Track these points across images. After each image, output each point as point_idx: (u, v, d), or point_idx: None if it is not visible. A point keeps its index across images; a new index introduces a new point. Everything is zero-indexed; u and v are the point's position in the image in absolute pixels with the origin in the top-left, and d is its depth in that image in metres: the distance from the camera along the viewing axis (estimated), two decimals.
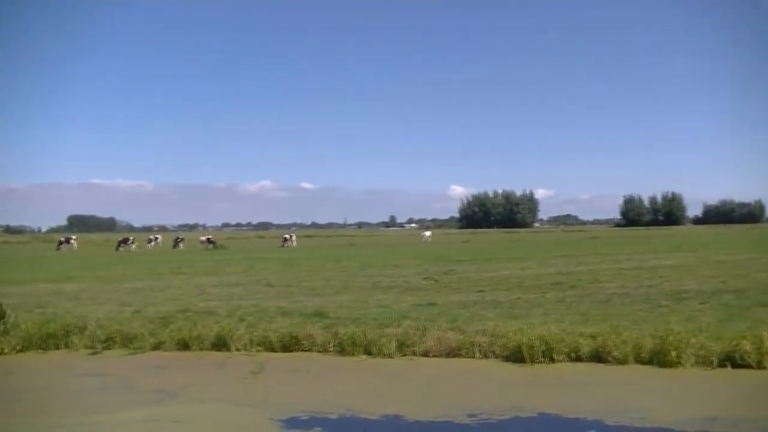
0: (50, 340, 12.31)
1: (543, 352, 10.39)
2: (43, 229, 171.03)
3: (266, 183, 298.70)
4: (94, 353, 12.09)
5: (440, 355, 10.97)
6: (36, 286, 20.63)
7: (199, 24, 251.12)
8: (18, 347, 11.98)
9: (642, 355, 10.16)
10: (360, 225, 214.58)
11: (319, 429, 7.80)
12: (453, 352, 10.97)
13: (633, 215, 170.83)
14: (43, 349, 12.16)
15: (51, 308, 15.40)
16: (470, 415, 8.08)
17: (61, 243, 60.71)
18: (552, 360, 10.35)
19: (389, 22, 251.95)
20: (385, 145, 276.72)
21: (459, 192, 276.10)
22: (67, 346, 12.33)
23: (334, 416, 8.22)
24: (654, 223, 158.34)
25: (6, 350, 11.81)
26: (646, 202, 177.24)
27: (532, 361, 10.31)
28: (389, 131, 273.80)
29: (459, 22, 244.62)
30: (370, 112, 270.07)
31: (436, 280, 20.81)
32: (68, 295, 18.48)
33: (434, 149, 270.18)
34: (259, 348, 11.78)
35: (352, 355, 11.20)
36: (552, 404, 8.42)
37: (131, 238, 62.61)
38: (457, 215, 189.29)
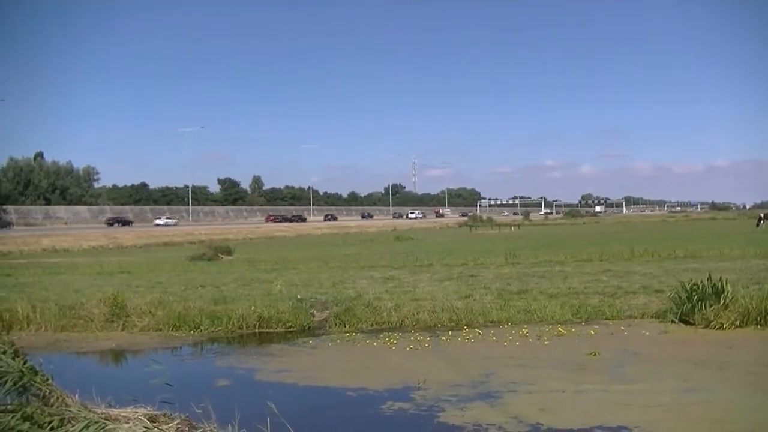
0: None
1: None
2: (748, 206, 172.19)
3: None
4: None
5: None
6: (748, 262, 20.69)
7: None
8: (737, 322, 12.10)
9: None
10: None
11: None
12: None
13: None
14: (761, 325, 11.99)
15: (766, 284, 15.16)
16: None
17: (761, 219, 59.55)
18: None
19: None
20: None
21: None
22: None
23: None
24: None
25: (725, 325, 12.05)
26: None
27: None
28: None
29: None
30: None
31: None
32: None
33: None
34: None
35: None
36: None
37: None
38: None
